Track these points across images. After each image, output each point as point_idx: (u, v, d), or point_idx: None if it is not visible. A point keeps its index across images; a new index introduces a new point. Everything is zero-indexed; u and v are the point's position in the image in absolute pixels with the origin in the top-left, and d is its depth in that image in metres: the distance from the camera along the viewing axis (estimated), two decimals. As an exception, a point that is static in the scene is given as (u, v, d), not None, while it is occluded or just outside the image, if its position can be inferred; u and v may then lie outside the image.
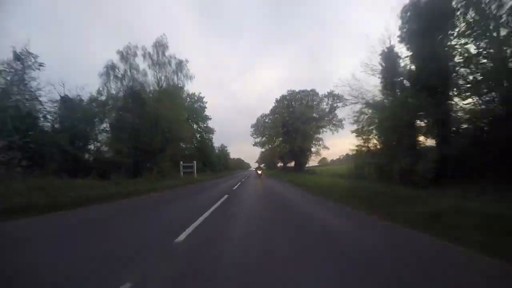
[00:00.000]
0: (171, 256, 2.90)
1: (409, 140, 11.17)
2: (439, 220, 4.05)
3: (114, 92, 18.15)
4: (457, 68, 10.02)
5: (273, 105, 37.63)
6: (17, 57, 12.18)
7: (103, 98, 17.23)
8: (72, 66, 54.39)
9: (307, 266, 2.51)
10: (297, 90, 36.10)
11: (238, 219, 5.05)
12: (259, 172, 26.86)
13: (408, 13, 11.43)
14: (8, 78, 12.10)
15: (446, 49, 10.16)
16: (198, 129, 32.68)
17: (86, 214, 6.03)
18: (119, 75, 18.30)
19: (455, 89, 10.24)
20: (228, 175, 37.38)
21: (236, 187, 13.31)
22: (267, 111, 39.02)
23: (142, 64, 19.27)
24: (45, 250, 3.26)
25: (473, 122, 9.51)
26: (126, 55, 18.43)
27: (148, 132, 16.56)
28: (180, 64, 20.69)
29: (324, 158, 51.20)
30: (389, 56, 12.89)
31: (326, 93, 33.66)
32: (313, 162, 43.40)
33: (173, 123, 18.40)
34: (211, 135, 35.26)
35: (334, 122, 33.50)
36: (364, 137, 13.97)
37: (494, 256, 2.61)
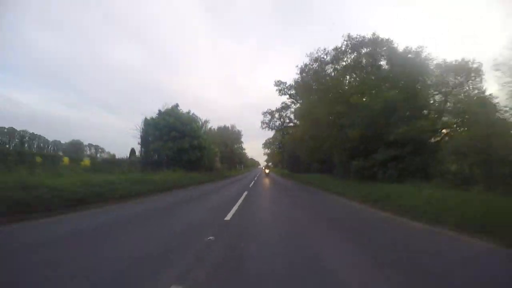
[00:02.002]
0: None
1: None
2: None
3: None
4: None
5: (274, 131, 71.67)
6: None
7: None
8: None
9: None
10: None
11: (263, 179, 37.54)
12: (267, 171, 44.25)
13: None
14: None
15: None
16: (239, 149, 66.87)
17: (233, 178, 39.20)
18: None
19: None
20: (251, 170, 72.26)
21: (259, 172, 46.50)
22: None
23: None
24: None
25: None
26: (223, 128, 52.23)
27: (232, 157, 50.24)
28: (239, 132, 55.04)
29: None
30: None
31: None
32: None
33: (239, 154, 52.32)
34: (243, 150, 69.41)
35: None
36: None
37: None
